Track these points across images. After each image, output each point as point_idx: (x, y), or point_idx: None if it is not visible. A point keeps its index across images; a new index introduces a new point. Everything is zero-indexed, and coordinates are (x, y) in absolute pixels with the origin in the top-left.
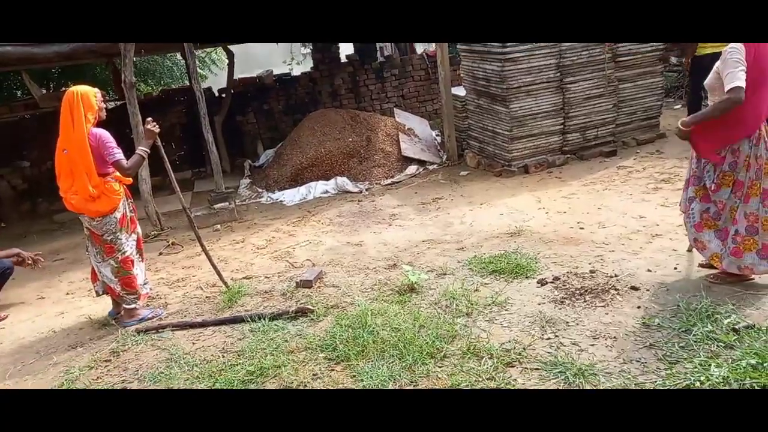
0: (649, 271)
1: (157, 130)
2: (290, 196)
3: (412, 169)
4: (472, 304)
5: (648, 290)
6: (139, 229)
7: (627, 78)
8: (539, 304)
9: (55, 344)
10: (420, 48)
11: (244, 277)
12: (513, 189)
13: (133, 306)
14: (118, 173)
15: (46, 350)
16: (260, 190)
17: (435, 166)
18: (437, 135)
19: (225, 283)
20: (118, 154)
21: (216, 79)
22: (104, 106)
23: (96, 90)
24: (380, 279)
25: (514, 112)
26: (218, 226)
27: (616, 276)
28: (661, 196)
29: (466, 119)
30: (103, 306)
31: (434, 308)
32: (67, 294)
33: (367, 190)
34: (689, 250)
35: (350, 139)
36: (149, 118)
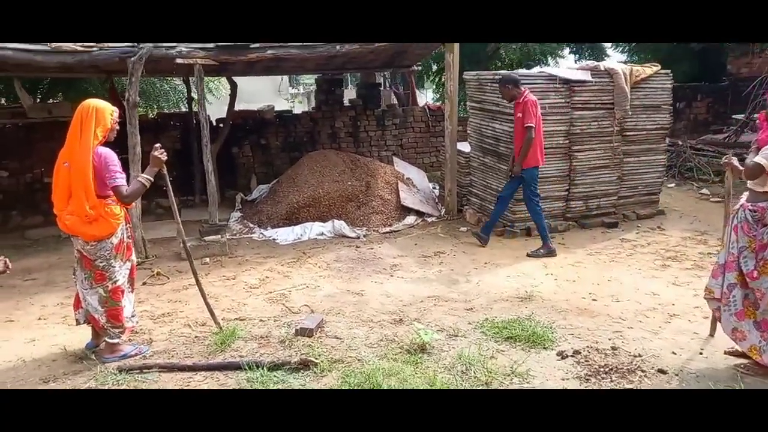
0: (673, 353)
1: (164, 157)
2: (284, 234)
3: (410, 219)
4: (490, 373)
5: (677, 375)
6: (134, 257)
7: (632, 152)
8: (563, 380)
9: (24, 376)
10: (422, 100)
11: (236, 318)
12: (516, 251)
13: (116, 341)
14: None
15: (13, 382)
16: (252, 225)
17: (433, 219)
18: (434, 188)
19: (217, 323)
20: (120, 179)
21: (209, 109)
22: (117, 127)
23: (114, 108)
24: (386, 334)
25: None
26: (207, 259)
27: (640, 356)
28: (670, 275)
29: (468, 175)
30: (80, 336)
31: (449, 374)
32: (40, 319)
33: (364, 236)
34: (711, 335)
35: (349, 183)
36: (157, 144)
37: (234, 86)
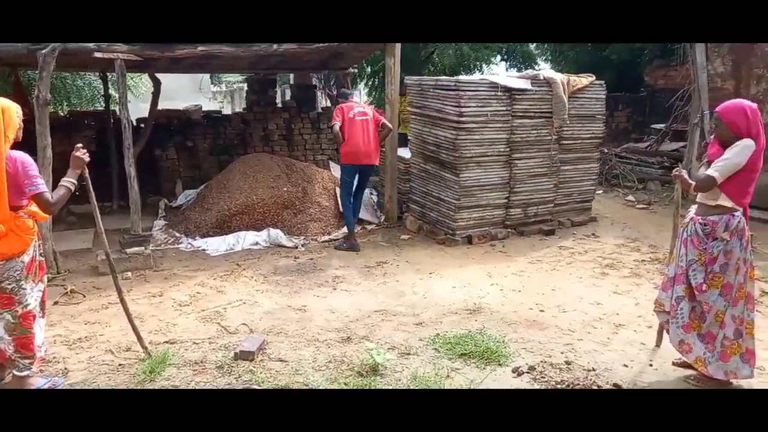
0: (625, 366)
1: (87, 158)
2: (215, 244)
3: None
4: None
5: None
6: (45, 278)
7: (568, 160)
8: None
9: None
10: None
11: (166, 341)
12: (459, 259)
13: (25, 373)
14: (33, 207)
15: None
16: (179, 234)
17: (373, 227)
18: (372, 194)
19: (144, 348)
20: (42, 185)
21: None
22: (22, 125)
23: (18, 106)
24: (334, 355)
25: (464, 181)
26: (129, 273)
27: (593, 370)
28: (611, 283)
29: (408, 182)
30: None
31: None
32: None
33: (303, 245)
34: (658, 345)
35: (285, 189)
36: (79, 144)
37: (157, 84)
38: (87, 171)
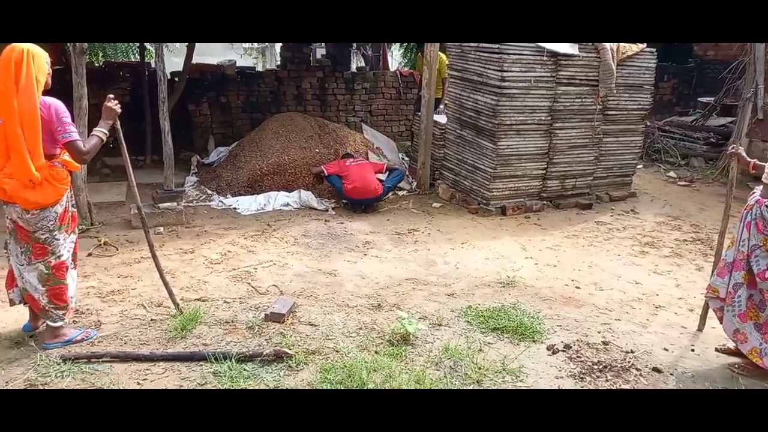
0: (665, 350)
1: (119, 109)
2: (246, 203)
3: None
4: (480, 370)
5: (671, 374)
6: (77, 229)
7: (610, 132)
8: (557, 378)
9: None
10: (393, 65)
11: (197, 299)
12: (493, 231)
13: (59, 324)
14: (66, 156)
15: None
16: (210, 192)
17: (404, 193)
18: (403, 159)
19: (176, 305)
20: (75, 133)
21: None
22: (51, 72)
23: (45, 53)
24: (365, 321)
25: (501, 150)
26: (161, 228)
27: (632, 352)
28: (650, 262)
29: (443, 148)
30: (16, 316)
31: (437, 369)
32: None
33: (333, 209)
34: (700, 330)
35: (317, 150)
36: (110, 95)
37: None
38: (119, 122)
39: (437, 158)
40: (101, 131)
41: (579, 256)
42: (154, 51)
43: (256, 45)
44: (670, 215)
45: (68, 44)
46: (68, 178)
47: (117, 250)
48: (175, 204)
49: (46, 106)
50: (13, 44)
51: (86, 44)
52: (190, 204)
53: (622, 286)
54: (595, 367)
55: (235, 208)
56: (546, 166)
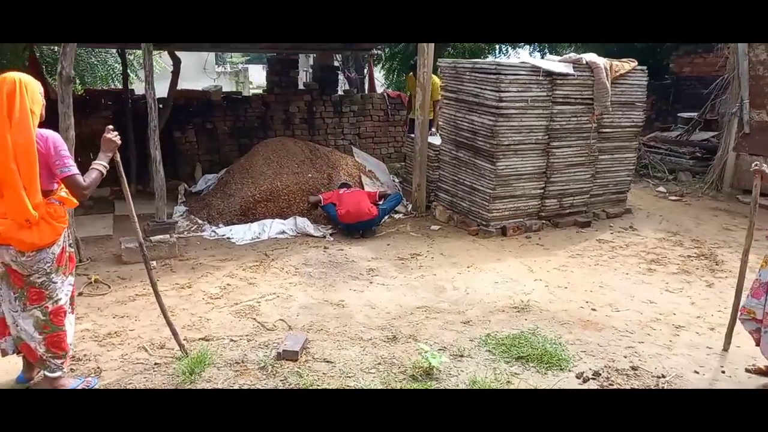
0: (696, 372)
1: (118, 140)
2: (240, 233)
3: None
4: None
5: None
6: (75, 270)
7: (605, 150)
8: None
9: None
10: (380, 88)
11: (201, 338)
12: (496, 252)
13: (57, 374)
14: (63, 192)
15: None
16: (201, 221)
17: (400, 216)
18: (394, 181)
19: (182, 347)
20: (74, 166)
21: (141, 87)
22: (44, 103)
23: (37, 82)
24: (382, 356)
25: (500, 170)
26: (154, 263)
27: (663, 377)
28: (660, 280)
29: (437, 170)
30: (7, 368)
31: None
32: None
33: (331, 235)
34: (726, 350)
35: (309, 175)
36: (109, 126)
37: (177, 62)
38: (118, 155)
39: (432, 180)
40: (101, 164)
41: (588, 276)
42: (144, 77)
43: (229, 69)
44: (669, 231)
45: (48, 73)
46: (66, 216)
47: (109, 287)
48: (168, 236)
49: (43, 138)
50: (4, 75)
51: (73, 72)
52: (182, 235)
53: (638, 307)
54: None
55: (228, 238)
56: (544, 185)
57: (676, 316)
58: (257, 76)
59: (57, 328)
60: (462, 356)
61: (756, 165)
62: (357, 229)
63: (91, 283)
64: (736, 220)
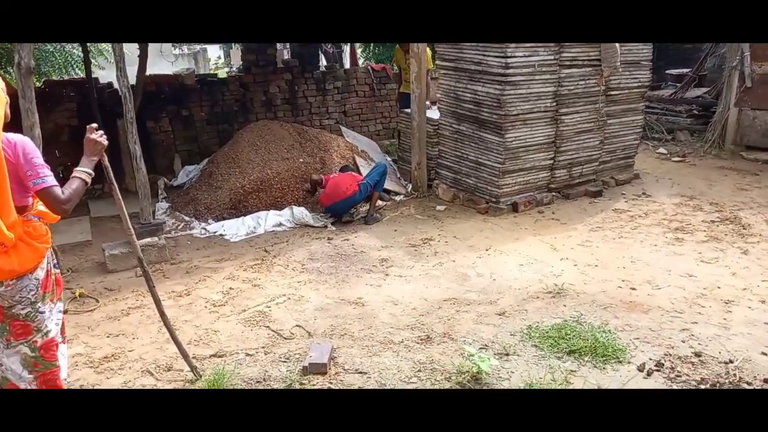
0: (763, 354)
1: (105, 141)
2: (233, 228)
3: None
4: None
5: None
6: (63, 295)
7: (613, 114)
8: None
9: None
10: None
11: (212, 355)
12: (512, 231)
13: None
14: (40, 206)
15: None
16: (188, 218)
17: (401, 197)
18: (386, 159)
19: (193, 368)
20: (50, 176)
21: (103, 75)
22: (8, 100)
23: (0, 80)
24: (420, 360)
25: (509, 143)
26: None
27: (731, 362)
28: (691, 250)
29: (437, 146)
30: None
31: None
32: None
33: (332, 224)
34: None
35: (301, 160)
36: (93, 125)
37: (145, 45)
38: (106, 158)
39: (431, 157)
40: (84, 171)
41: (615, 251)
42: (115, 63)
43: (186, 50)
44: (684, 195)
45: (3, 65)
46: (48, 234)
47: (97, 302)
48: (156, 239)
49: (11, 145)
50: None
51: (33, 62)
52: (169, 235)
53: (678, 282)
54: (702, 386)
55: (221, 235)
56: (553, 155)
57: (721, 289)
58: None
59: (50, 365)
60: (508, 354)
61: None
62: (338, 212)
63: (75, 298)
64: (746, 179)
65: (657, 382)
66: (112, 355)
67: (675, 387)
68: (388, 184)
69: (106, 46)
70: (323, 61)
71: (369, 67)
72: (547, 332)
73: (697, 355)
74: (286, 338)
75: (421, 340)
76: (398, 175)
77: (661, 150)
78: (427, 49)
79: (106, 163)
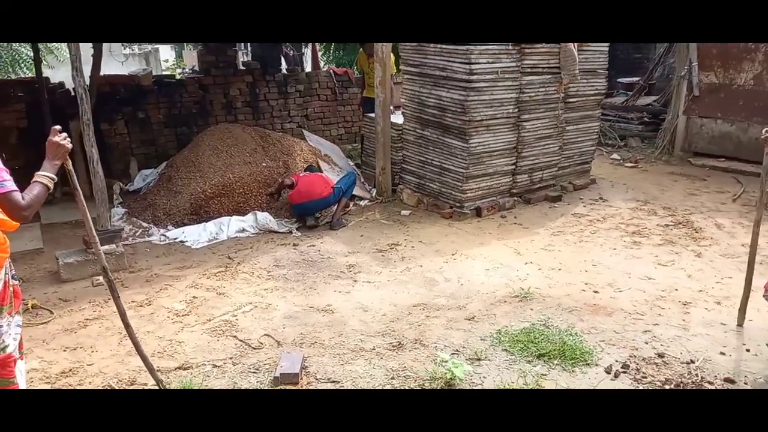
0: (722, 354)
1: (69, 145)
2: (194, 234)
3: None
4: None
5: (745, 384)
6: (21, 308)
7: (571, 120)
8: None
9: None
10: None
11: (178, 367)
12: (476, 236)
13: None
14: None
15: None
16: (146, 224)
17: (366, 202)
18: (351, 164)
19: (159, 382)
20: (9, 182)
21: (52, 74)
22: None
23: None
24: (392, 367)
25: (473, 148)
26: (100, 278)
27: (692, 362)
28: (648, 253)
29: (401, 151)
30: None
31: None
32: None
33: (297, 230)
34: (740, 325)
35: (264, 164)
36: (56, 127)
37: (99, 44)
38: (70, 162)
39: (395, 162)
40: (46, 176)
41: (577, 255)
42: (71, 62)
43: (137, 50)
44: (639, 200)
45: None
46: (6, 243)
47: (52, 313)
48: (114, 246)
49: None
50: None
51: None
52: (126, 242)
53: (638, 284)
54: (667, 386)
55: (182, 242)
56: (515, 160)
57: (678, 291)
58: (169, 59)
59: (7, 382)
60: (479, 359)
61: (766, 132)
62: (307, 211)
63: (28, 309)
64: (696, 184)
65: (624, 384)
66: (70, 370)
67: (641, 387)
68: (355, 190)
69: (57, 45)
70: (284, 65)
71: (331, 71)
72: (517, 336)
73: (660, 356)
74: (254, 348)
75: (392, 346)
76: (362, 180)
77: (615, 156)
78: (391, 54)
79: (70, 167)
